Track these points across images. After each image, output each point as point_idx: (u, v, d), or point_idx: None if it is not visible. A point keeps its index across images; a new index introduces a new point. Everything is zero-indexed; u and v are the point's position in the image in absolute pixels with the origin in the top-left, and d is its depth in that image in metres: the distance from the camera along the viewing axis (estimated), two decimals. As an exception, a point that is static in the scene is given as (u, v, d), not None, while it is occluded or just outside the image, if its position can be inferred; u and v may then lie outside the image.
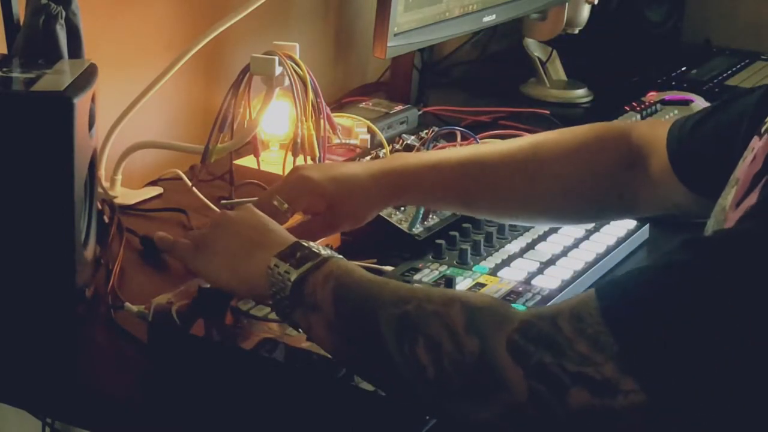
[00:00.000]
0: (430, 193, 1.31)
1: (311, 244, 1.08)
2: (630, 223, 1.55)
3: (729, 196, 1.01)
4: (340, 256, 1.06)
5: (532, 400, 0.88)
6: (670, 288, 0.88)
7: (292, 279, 1.04)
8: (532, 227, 1.52)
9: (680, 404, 0.86)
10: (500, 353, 0.90)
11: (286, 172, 1.55)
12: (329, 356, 1.09)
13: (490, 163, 1.30)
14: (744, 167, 1.01)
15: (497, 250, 1.44)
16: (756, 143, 1.01)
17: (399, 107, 1.93)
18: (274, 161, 1.68)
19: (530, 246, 1.46)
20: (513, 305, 1.27)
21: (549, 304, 1.29)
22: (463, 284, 1.33)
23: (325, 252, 1.06)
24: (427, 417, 1.06)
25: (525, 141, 1.33)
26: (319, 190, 1.27)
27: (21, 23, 1.33)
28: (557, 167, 1.29)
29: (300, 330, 1.08)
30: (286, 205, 1.25)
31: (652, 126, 1.30)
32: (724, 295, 0.85)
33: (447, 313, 0.94)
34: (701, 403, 0.86)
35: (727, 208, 1.00)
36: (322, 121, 1.53)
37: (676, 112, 2.09)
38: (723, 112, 1.18)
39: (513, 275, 1.37)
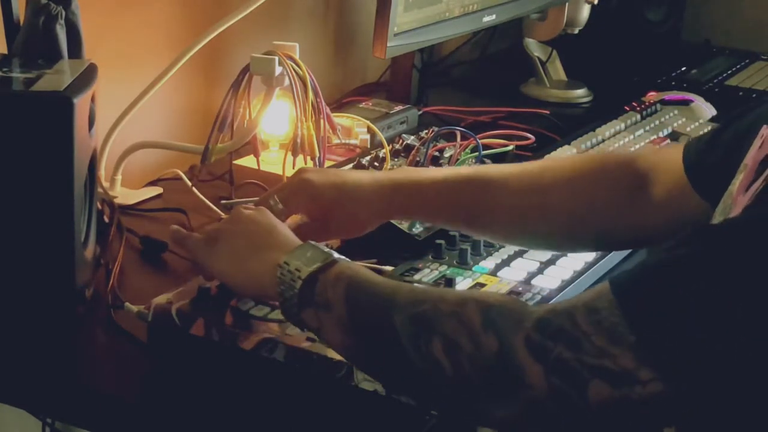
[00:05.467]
0: (433, 210, 1.31)
1: (320, 245, 1.08)
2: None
3: (737, 181, 1.03)
4: (348, 260, 1.07)
5: (552, 396, 0.89)
6: (683, 278, 0.89)
7: (303, 277, 1.04)
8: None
9: (698, 391, 0.88)
10: (519, 351, 0.90)
11: (286, 172, 1.56)
12: (329, 356, 1.09)
13: (494, 184, 1.29)
14: (752, 153, 1.03)
15: (497, 250, 1.44)
16: (765, 131, 1.03)
17: (399, 107, 1.93)
18: (274, 161, 1.68)
19: (530, 246, 1.46)
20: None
21: (552, 301, 1.29)
22: (463, 284, 1.33)
23: (335, 254, 1.07)
24: (427, 417, 1.06)
25: (532, 165, 1.33)
26: (317, 194, 1.27)
27: (21, 23, 1.33)
28: (561, 194, 1.28)
29: (305, 329, 1.07)
30: (280, 206, 1.25)
31: (656, 151, 1.31)
32: (736, 282, 0.87)
33: (463, 313, 0.94)
34: (718, 390, 0.88)
35: (735, 193, 1.02)
36: (322, 121, 1.53)
37: (676, 112, 2.09)
38: (740, 120, 1.18)
39: (513, 275, 1.37)
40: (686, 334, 0.87)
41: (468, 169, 1.39)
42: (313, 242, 1.09)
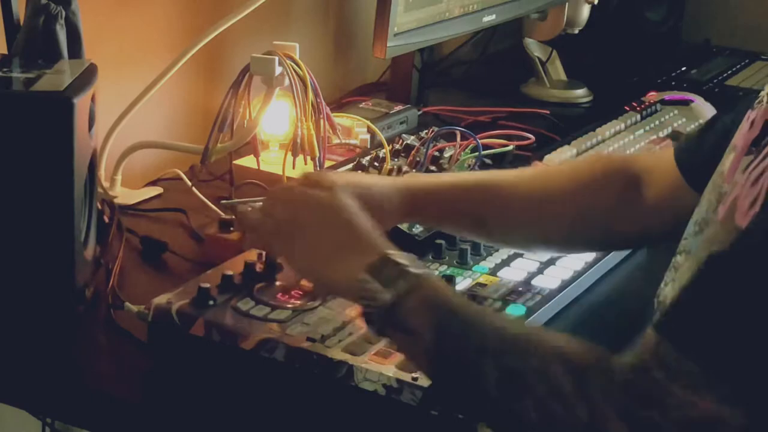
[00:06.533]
0: (445, 212, 1.31)
1: (400, 257, 1.05)
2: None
3: (727, 161, 1.05)
4: (430, 272, 1.05)
5: None
6: (727, 304, 0.90)
7: (384, 301, 1.02)
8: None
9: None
10: (612, 421, 0.91)
11: (286, 172, 1.56)
12: (329, 356, 1.09)
13: (503, 188, 1.30)
14: (741, 134, 1.05)
15: (497, 250, 1.43)
16: (751, 114, 1.05)
17: (399, 107, 1.93)
18: (274, 161, 1.68)
19: (530, 246, 1.46)
20: (514, 305, 1.28)
21: (552, 301, 1.30)
22: (463, 284, 1.33)
23: (416, 268, 1.03)
24: (428, 417, 1.06)
25: (538, 169, 1.36)
26: None
27: (21, 23, 1.33)
28: (564, 197, 1.30)
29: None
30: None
31: (653, 153, 1.32)
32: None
33: (552, 375, 0.94)
34: None
35: (726, 173, 1.03)
36: (322, 121, 1.53)
37: (675, 112, 2.09)
38: (727, 114, 1.20)
39: (513, 275, 1.37)
40: (754, 360, 0.88)
41: (478, 174, 1.40)
42: (393, 252, 1.05)
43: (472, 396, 1.00)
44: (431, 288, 1.03)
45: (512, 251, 1.44)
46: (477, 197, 1.30)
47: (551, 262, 1.41)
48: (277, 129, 1.74)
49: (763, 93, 1.08)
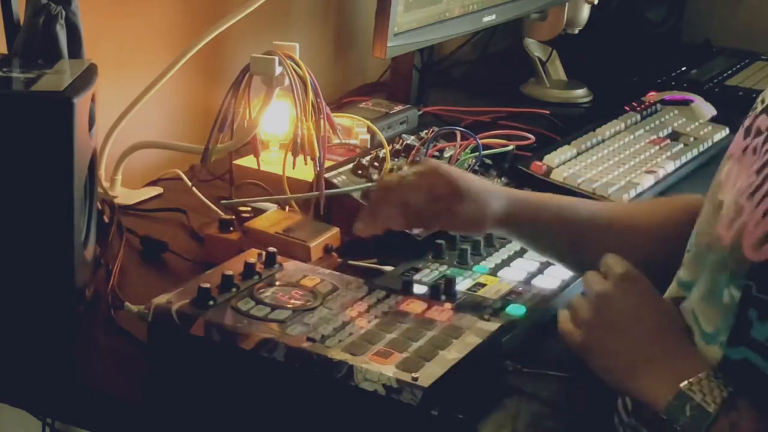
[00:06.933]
0: (542, 230, 1.30)
1: (695, 394, 0.99)
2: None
3: (723, 170, 1.05)
4: (729, 399, 0.99)
5: None
6: None
7: None
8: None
9: None
10: None
11: (286, 172, 1.56)
12: (329, 356, 1.09)
13: (613, 225, 1.29)
14: (736, 142, 1.06)
15: (497, 250, 1.44)
16: (746, 121, 1.06)
17: (399, 107, 1.93)
18: (274, 161, 1.68)
19: (530, 246, 1.46)
20: (514, 305, 1.28)
21: (552, 301, 1.30)
22: (463, 284, 1.33)
23: (714, 405, 0.99)
24: (428, 417, 1.06)
25: (627, 207, 1.38)
26: (449, 176, 1.28)
27: (21, 23, 1.33)
28: (645, 237, 1.28)
29: None
30: (412, 177, 1.27)
31: None
32: None
33: None
34: None
35: (723, 182, 1.04)
36: (322, 121, 1.53)
37: (676, 112, 2.09)
38: None
39: (513, 275, 1.37)
40: None
41: (587, 203, 1.37)
42: (696, 384, 1.00)
43: None
44: (727, 425, 0.99)
45: (512, 251, 1.44)
46: (579, 227, 1.29)
47: (551, 262, 1.41)
48: (277, 129, 1.74)
49: (758, 100, 1.08)
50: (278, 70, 1.53)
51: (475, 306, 1.27)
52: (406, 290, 1.25)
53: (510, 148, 1.73)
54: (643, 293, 1.08)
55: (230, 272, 1.21)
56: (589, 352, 1.07)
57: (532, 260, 1.41)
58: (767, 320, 0.96)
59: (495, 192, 1.31)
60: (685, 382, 1.00)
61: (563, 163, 1.78)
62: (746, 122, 1.07)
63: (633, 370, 1.04)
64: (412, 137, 1.69)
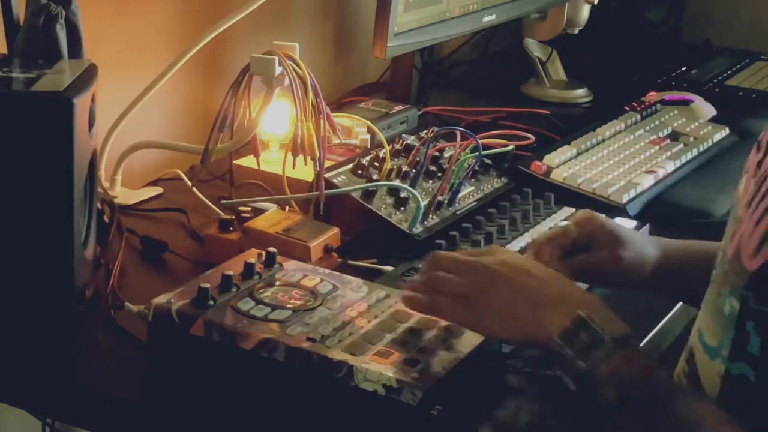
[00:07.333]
0: (679, 282, 1.29)
1: (593, 322, 1.02)
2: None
3: (741, 184, 1.05)
4: (625, 337, 1.01)
5: None
6: None
7: (577, 369, 1.01)
8: (532, 227, 1.53)
9: None
10: None
11: (286, 172, 1.56)
12: (329, 356, 1.09)
13: None
14: (750, 156, 1.06)
15: (497, 250, 1.43)
16: (763, 136, 1.05)
17: (399, 107, 1.93)
18: (274, 161, 1.68)
19: (530, 246, 1.46)
20: None
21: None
22: (463, 284, 1.33)
23: (609, 335, 1.01)
24: (428, 417, 1.06)
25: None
26: (609, 224, 1.27)
27: (21, 23, 1.33)
28: None
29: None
30: (574, 230, 1.26)
31: None
32: None
33: None
34: None
35: (740, 196, 1.04)
36: (322, 121, 1.53)
37: (676, 112, 2.09)
38: None
39: (513, 275, 1.37)
40: None
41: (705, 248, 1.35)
42: (586, 313, 1.02)
43: None
44: (624, 359, 1.00)
45: (511, 251, 1.43)
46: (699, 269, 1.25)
47: (551, 262, 1.41)
48: (277, 129, 1.74)
49: None
50: (278, 70, 1.53)
51: (475, 306, 1.27)
52: (406, 290, 1.24)
53: (510, 148, 1.73)
54: (518, 262, 1.11)
55: (230, 272, 1.21)
56: (470, 307, 1.09)
57: (532, 260, 1.41)
58: (762, 334, 0.95)
59: (650, 239, 1.30)
60: (584, 310, 1.01)
61: (563, 163, 1.78)
62: (760, 136, 1.06)
63: (530, 314, 1.06)
64: (412, 137, 1.69)
